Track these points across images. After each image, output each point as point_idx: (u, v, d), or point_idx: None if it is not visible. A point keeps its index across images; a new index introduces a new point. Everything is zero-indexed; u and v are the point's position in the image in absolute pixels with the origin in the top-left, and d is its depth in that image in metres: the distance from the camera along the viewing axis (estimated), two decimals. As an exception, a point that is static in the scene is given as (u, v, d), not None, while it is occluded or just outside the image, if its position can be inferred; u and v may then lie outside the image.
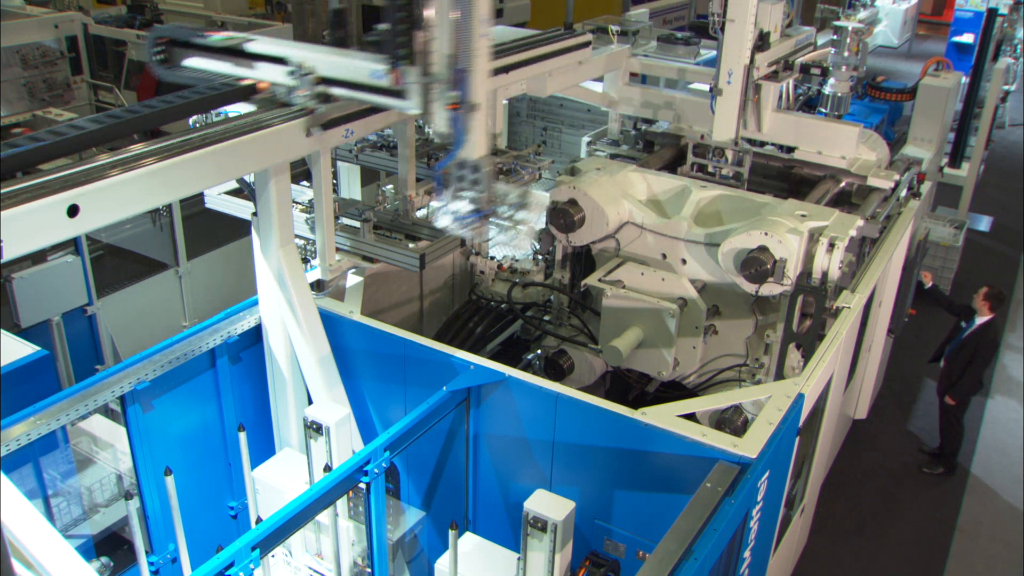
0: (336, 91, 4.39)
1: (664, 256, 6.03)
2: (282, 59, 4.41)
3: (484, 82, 3.97)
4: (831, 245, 5.43)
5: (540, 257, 6.99)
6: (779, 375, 5.79)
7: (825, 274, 5.49)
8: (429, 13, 3.79)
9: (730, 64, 6.51)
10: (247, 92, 4.55)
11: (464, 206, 4.08)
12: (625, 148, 8.24)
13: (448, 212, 4.14)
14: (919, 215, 7.85)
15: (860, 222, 5.72)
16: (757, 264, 5.35)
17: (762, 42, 6.55)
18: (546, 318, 6.66)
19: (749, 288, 5.50)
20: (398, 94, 4.07)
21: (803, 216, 5.58)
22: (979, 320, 7.77)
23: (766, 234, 5.37)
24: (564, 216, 6.02)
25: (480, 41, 3.81)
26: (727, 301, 5.92)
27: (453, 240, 5.43)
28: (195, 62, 4.69)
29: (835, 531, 7.53)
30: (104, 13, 15.74)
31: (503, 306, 6.71)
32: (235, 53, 4.57)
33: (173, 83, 4.70)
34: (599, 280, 5.90)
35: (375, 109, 5.11)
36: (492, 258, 7.05)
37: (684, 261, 5.96)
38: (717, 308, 5.97)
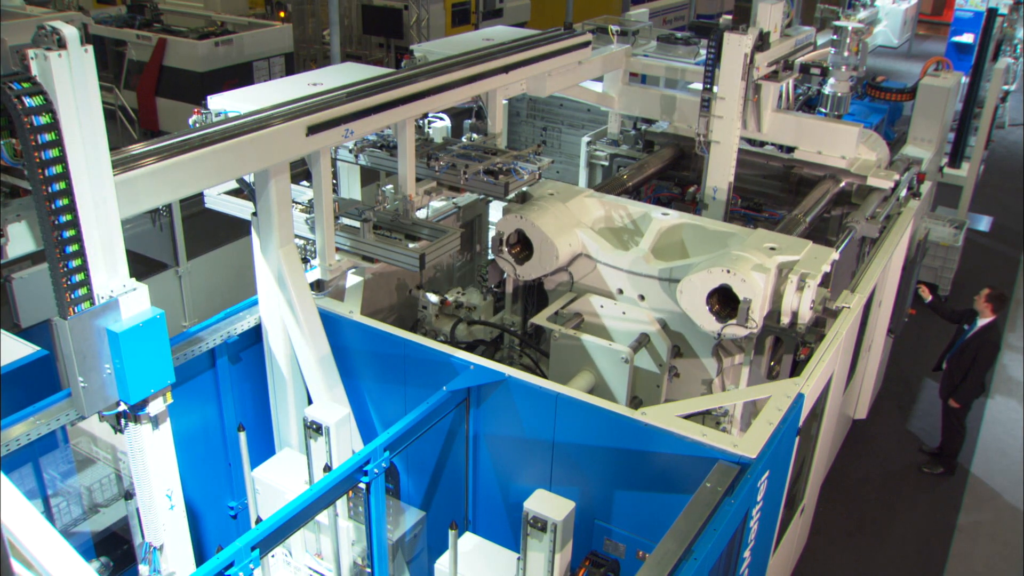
0: None
1: (620, 291, 5.64)
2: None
3: (184, 551, 4.00)
4: (802, 283, 4.94)
5: (489, 290, 6.45)
6: (746, 424, 5.35)
7: (796, 314, 5.02)
8: None
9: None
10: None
11: None
12: (625, 148, 8.24)
13: None
14: (919, 215, 7.85)
15: (835, 255, 5.27)
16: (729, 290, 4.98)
17: (762, 42, 6.55)
18: (497, 357, 6.16)
19: (711, 329, 5.08)
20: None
21: (772, 249, 5.09)
22: (981, 322, 7.76)
23: (728, 271, 4.89)
24: (511, 249, 5.69)
25: (174, 515, 3.93)
26: (689, 341, 5.52)
27: (453, 240, 5.42)
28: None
29: (835, 531, 7.53)
30: (104, 13, 15.79)
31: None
32: None
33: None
34: (549, 319, 5.54)
35: (374, 109, 5.12)
36: (435, 292, 6.39)
37: (642, 297, 5.56)
38: (678, 349, 5.57)
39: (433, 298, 6.23)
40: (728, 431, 5.30)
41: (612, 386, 5.41)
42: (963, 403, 7.91)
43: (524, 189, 5.88)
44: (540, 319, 5.61)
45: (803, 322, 5.03)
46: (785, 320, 5.04)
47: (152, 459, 3.97)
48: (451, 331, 6.09)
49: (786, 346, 5.49)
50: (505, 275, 6.11)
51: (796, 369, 5.39)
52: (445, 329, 6.13)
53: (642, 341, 5.47)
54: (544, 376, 5.53)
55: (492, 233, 5.92)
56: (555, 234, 5.56)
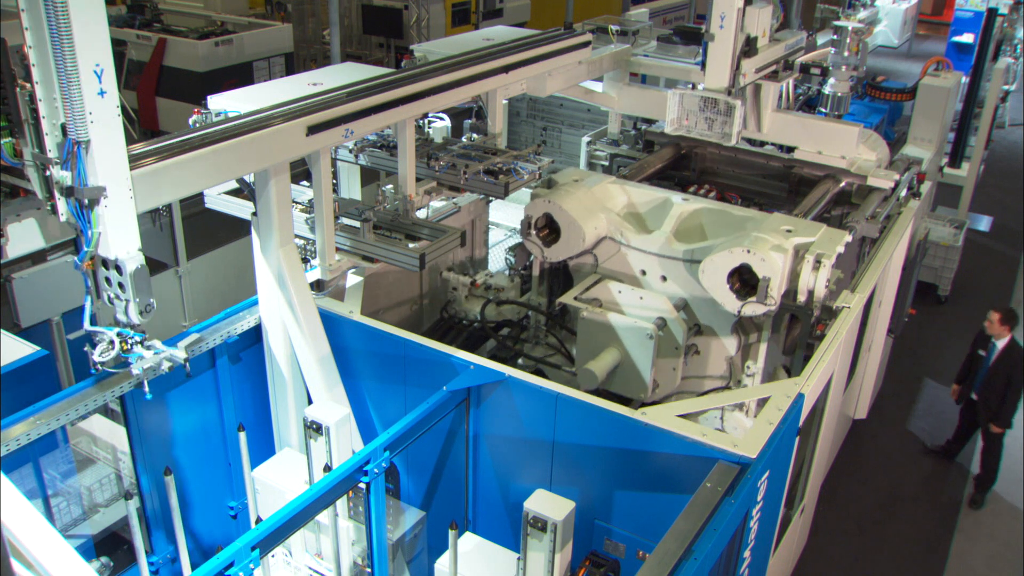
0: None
1: (644, 272, 5.81)
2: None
3: (118, 158, 3.31)
4: (817, 263, 5.22)
5: (516, 272, 6.74)
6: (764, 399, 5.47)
7: (811, 293, 5.28)
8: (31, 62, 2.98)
9: (722, 8, 6.17)
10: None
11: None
12: (625, 148, 8.24)
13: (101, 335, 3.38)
14: (919, 215, 7.85)
15: (848, 237, 5.49)
16: (748, 270, 5.14)
17: (749, 47, 6.48)
18: (523, 336, 6.45)
19: (731, 307, 5.28)
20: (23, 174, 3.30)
21: (788, 231, 5.34)
22: (1000, 343, 7.62)
23: (748, 251, 5.11)
24: (539, 232, 5.87)
25: (104, 103, 3.14)
26: (709, 319, 5.70)
27: (453, 240, 5.42)
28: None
29: (835, 531, 7.54)
30: (104, 13, 15.74)
31: (476, 324, 6.45)
32: None
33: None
34: (575, 299, 5.68)
35: (374, 109, 5.12)
36: (465, 274, 6.74)
37: (664, 278, 5.75)
38: (699, 327, 5.74)
39: (463, 279, 6.52)
40: (746, 404, 5.53)
41: (637, 362, 5.55)
42: (1004, 426, 7.72)
43: (550, 175, 6.10)
44: (567, 298, 5.77)
45: (819, 300, 5.28)
46: (801, 298, 5.29)
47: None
48: (481, 311, 6.36)
49: (802, 323, 5.58)
50: (532, 258, 6.30)
51: (810, 350, 5.50)
52: (475, 309, 6.43)
53: (659, 326, 5.55)
54: (569, 356, 5.89)
55: (491, 232, 5.97)
56: (582, 217, 5.75)
